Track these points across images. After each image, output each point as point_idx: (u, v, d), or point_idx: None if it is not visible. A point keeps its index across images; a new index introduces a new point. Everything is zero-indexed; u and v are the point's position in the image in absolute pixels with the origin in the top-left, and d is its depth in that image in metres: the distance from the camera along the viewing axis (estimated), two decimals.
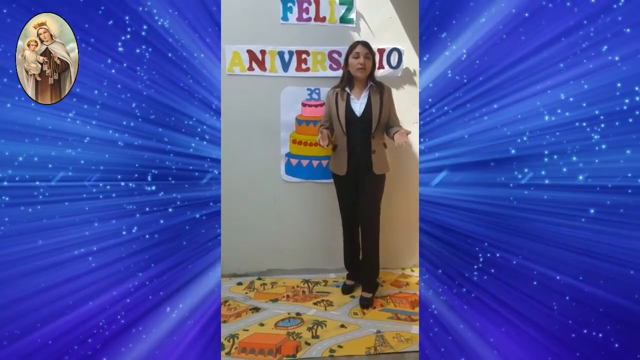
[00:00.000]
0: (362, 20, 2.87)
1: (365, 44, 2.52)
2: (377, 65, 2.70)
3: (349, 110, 2.53)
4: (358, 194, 2.65)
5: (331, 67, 2.88)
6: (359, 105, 2.54)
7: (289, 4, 2.80)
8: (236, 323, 2.42)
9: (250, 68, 2.85)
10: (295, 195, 3.01)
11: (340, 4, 2.82)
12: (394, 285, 2.88)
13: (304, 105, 2.91)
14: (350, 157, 2.57)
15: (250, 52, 2.83)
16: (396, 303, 2.66)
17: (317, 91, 2.90)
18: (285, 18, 2.82)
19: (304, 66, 2.87)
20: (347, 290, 2.82)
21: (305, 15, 2.82)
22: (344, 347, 2.19)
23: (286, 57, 2.85)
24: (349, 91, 2.58)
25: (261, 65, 2.85)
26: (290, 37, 2.84)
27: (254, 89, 2.87)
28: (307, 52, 2.86)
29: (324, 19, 2.84)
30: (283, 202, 3.02)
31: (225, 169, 2.79)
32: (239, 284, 2.94)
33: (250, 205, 3.01)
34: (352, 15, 2.83)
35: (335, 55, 2.86)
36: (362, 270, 2.75)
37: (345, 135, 2.56)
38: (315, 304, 2.66)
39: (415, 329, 2.35)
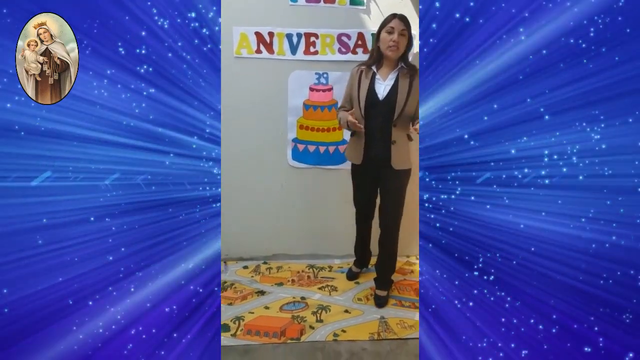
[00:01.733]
0: (373, 2, 2.80)
1: (403, 19, 2.20)
2: (412, 45, 2.36)
3: (371, 91, 2.27)
4: (379, 190, 2.47)
5: (340, 51, 2.82)
6: (383, 88, 2.26)
7: None
8: (242, 305, 2.47)
9: (258, 50, 2.80)
10: (302, 180, 3.01)
11: None
12: (398, 272, 2.89)
13: (311, 89, 2.88)
14: (368, 145, 2.33)
15: (258, 34, 2.78)
16: (400, 290, 2.69)
17: (325, 75, 2.86)
18: None
19: (312, 49, 2.81)
20: (352, 276, 2.82)
21: None
22: (348, 332, 2.23)
23: (294, 39, 2.80)
24: (375, 70, 2.31)
25: (269, 47, 2.80)
26: (298, 19, 2.78)
27: (261, 72, 2.84)
28: (315, 35, 2.80)
29: (333, 1, 2.76)
30: (289, 187, 3.03)
31: (231, 154, 2.81)
32: (245, 267, 2.98)
33: (257, 190, 3.02)
34: None
35: (345, 39, 2.80)
36: (378, 267, 2.59)
37: (364, 120, 2.29)
38: (320, 288, 2.69)
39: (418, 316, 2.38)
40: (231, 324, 2.27)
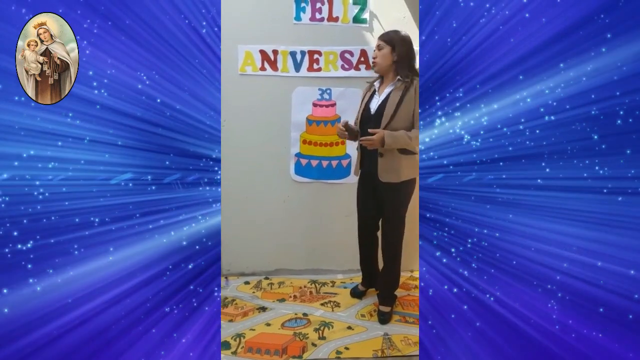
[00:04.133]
0: (376, 20, 2.84)
1: (382, 35, 2.31)
2: (402, 57, 2.27)
3: (366, 107, 2.38)
4: (381, 203, 2.47)
5: (343, 67, 2.86)
6: (376, 102, 2.33)
7: (302, 4, 2.79)
8: (243, 322, 2.43)
9: (262, 68, 2.85)
10: (305, 195, 3.01)
11: (354, 3, 2.79)
12: (402, 287, 2.84)
13: (314, 105, 2.90)
14: (362, 158, 2.44)
15: (262, 52, 2.83)
16: (404, 306, 2.64)
17: (328, 91, 2.89)
18: (298, 18, 2.81)
19: (315, 66, 2.86)
20: (357, 294, 2.75)
21: (318, 15, 2.80)
22: (351, 349, 2.18)
23: (298, 57, 2.84)
24: (377, 86, 2.40)
25: (273, 65, 2.85)
26: (302, 37, 2.83)
27: (266, 89, 2.87)
28: (319, 52, 2.84)
29: (337, 19, 2.82)
30: (292, 202, 3.02)
31: (234, 168, 2.82)
32: (247, 283, 2.94)
33: (259, 205, 3.01)
34: (366, 15, 2.81)
35: (348, 55, 2.84)
36: (380, 283, 2.60)
37: (359, 134, 2.39)
38: (322, 304, 2.65)
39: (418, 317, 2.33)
40: (232, 342, 2.22)
